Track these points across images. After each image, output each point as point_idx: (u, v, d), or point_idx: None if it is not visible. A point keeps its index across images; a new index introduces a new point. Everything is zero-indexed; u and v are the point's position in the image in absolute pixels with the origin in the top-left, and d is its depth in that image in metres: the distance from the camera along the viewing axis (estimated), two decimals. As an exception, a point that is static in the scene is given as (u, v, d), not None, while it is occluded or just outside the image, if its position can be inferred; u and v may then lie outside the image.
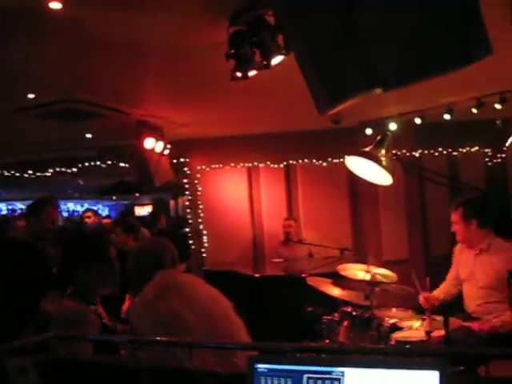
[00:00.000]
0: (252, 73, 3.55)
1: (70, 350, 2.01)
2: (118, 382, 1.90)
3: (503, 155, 7.97)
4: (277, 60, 3.38)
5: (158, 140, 6.68)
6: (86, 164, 8.70)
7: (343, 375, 1.43)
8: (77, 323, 2.35)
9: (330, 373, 1.45)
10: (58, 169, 8.97)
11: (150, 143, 6.53)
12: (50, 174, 9.42)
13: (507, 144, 7.41)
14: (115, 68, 4.57)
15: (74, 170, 8.99)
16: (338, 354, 1.54)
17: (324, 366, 1.46)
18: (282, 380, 1.48)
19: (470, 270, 4.23)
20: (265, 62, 3.39)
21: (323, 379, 1.45)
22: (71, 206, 21.03)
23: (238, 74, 3.55)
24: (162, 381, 1.78)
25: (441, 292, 4.48)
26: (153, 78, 5.03)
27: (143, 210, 20.35)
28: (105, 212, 21.77)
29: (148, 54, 4.30)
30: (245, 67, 3.49)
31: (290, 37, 2.93)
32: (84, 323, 2.11)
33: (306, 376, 1.47)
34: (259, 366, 1.51)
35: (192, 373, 1.69)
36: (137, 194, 17.15)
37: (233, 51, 3.46)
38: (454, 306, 4.41)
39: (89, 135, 7.38)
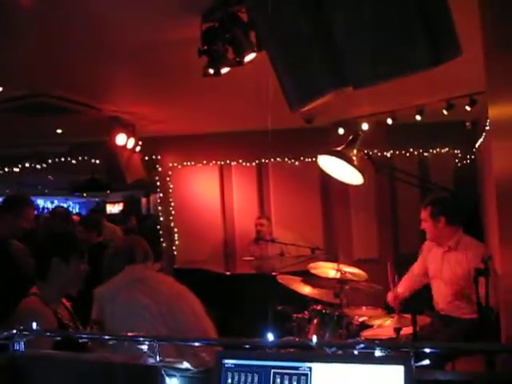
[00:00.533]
0: (224, 70, 3.54)
1: (30, 346, 1.99)
2: (79, 377, 1.88)
3: (473, 156, 8.08)
4: (249, 57, 3.38)
5: (129, 136, 6.63)
6: (57, 160, 8.58)
7: (310, 370, 1.44)
8: (30, 321, 2.33)
9: (297, 368, 1.45)
10: (27, 164, 8.82)
11: (121, 139, 6.47)
12: (18, 170, 9.26)
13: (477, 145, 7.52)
14: (87, 63, 4.51)
15: (44, 165, 8.85)
16: (305, 349, 1.53)
17: (291, 361, 1.47)
18: (249, 375, 1.48)
19: (438, 268, 4.31)
20: (237, 59, 3.39)
21: (290, 375, 1.45)
22: (41, 202, 20.74)
23: (211, 71, 3.53)
24: (125, 376, 1.77)
25: (405, 289, 4.54)
26: (125, 73, 4.98)
27: (114, 208, 20.12)
28: (75, 209, 21.52)
29: (120, 50, 4.25)
30: (217, 64, 3.48)
31: (262, 34, 2.93)
32: (38, 322, 2.09)
33: (273, 371, 1.47)
34: (226, 361, 1.51)
35: (156, 368, 1.68)
36: (108, 192, 16.94)
37: (205, 48, 3.45)
38: (423, 303, 4.48)
39: (59, 130, 7.28)
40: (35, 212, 5.46)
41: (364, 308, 4.64)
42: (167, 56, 4.34)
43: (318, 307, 4.47)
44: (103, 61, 4.50)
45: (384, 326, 4.00)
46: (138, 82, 5.25)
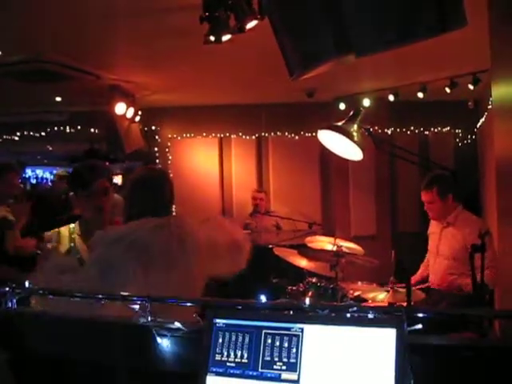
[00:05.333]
0: (226, 37, 3.49)
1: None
2: (70, 335, 1.89)
3: (473, 136, 8.05)
4: (251, 24, 3.33)
5: (129, 106, 6.60)
6: (56, 129, 8.53)
7: (302, 332, 1.43)
8: None
9: (288, 329, 1.44)
10: (25, 132, 8.77)
11: (120, 108, 6.44)
12: (17, 138, 9.22)
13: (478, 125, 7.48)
14: (86, 29, 4.46)
15: (43, 134, 8.80)
16: (297, 311, 1.53)
17: (283, 322, 1.46)
18: (240, 335, 1.47)
19: (435, 243, 4.30)
20: (239, 26, 3.34)
21: (282, 335, 1.44)
22: (40, 172, 20.67)
23: (212, 38, 3.48)
24: (117, 335, 1.77)
25: (422, 270, 4.57)
26: (125, 40, 4.92)
27: (114, 180, 20.01)
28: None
29: (120, 16, 4.20)
30: (219, 31, 3.43)
31: (265, 0, 2.89)
32: None
33: (264, 332, 1.46)
34: (218, 320, 1.50)
35: (147, 327, 1.67)
36: (107, 163, 16.89)
37: (207, 14, 3.39)
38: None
39: (58, 98, 7.22)
40: (19, 180, 5.45)
41: (359, 283, 4.65)
42: (168, 22, 4.28)
43: (313, 280, 4.47)
44: (103, 26, 4.44)
45: (379, 300, 4.01)
46: (139, 49, 5.19)
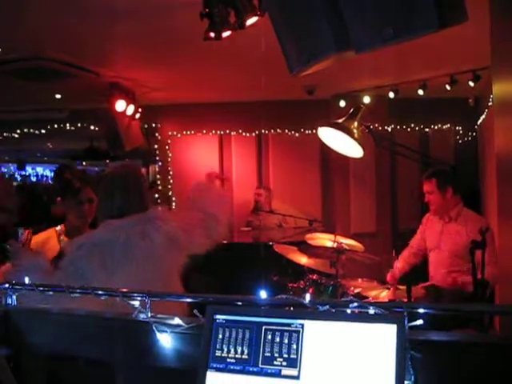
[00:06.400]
0: (226, 33, 3.48)
1: None
2: (71, 331, 1.89)
3: (474, 134, 8.04)
4: (251, 21, 3.33)
5: (129, 103, 6.59)
6: (56, 126, 8.53)
7: (302, 327, 1.43)
8: None
9: (289, 325, 1.44)
10: (25, 130, 8.77)
11: (120, 106, 6.43)
12: (17, 136, 9.22)
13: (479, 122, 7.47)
14: (86, 26, 4.45)
15: (44, 131, 8.80)
16: (297, 307, 1.52)
17: (283, 318, 1.45)
18: (241, 331, 1.47)
19: (436, 240, 4.30)
20: (239, 23, 3.33)
21: (282, 331, 1.44)
22: (40, 170, 20.68)
23: (212, 34, 3.47)
24: (116, 331, 1.77)
25: (405, 263, 4.53)
26: (124, 37, 4.90)
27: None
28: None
29: (120, 13, 4.18)
30: (219, 27, 3.42)
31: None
32: None
33: (264, 328, 1.46)
34: (218, 317, 1.50)
35: (147, 323, 1.67)
36: (107, 161, 16.88)
37: (207, 10, 3.38)
38: (419, 275, 4.48)
39: (58, 96, 7.22)
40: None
41: (360, 280, 4.64)
42: (167, 19, 4.27)
43: (314, 277, 4.46)
44: (102, 23, 4.43)
45: (379, 297, 4.01)
46: (138, 46, 5.18)
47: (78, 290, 1.81)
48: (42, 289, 1.88)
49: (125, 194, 2.70)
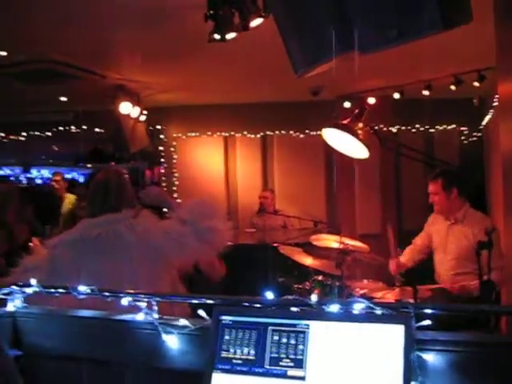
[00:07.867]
0: (230, 35, 3.49)
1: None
2: (77, 332, 1.89)
3: (479, 134, 8.02)
4: (256, 22, 3.33)
5: (134, 105, 6.61)
6: (61, 128, 8.55)
7: (308, 328, 1.43)
8: None
9: (295, 326, 1.44)
10: (31, 132, 8.80)
11: (125, 108, 6.45)
12: (24, 139, 9.24)
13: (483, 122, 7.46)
14: (91, 29, 4.47)
15: (49, 134, 8.83)
16: (303, 307, 1.52)
17: (289, 318, 1.46)
18: (247, 332, 1.47)
19: (442, 241, 4.27)
20: (243, 24, 3.34)
21: (288, 332, 1.44)
22: (45, 172, 20.68)
23: (216, 36, 3.48)
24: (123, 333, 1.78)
25: (408, 259, 4.52)
26: (129, 40, 4.92)
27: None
28: (80, 179, 21.44)
29: (125, 16, 4.20)
30: (223, 29, 3.43)
31: (270, -3, 2.89)
32: None
33: (270, 328, 1.46)
34: (224, 318, 1.50)
35: (153, 325, 1.68)
36: (112, 163, 16.89)
37: (211, 12, 3.39)
38: (424, 275, 4.46)
39: (64, 98, 7.24)
40: None
41: (365, 281, 4.63)
42: (173, 22, 4.28)
43: (319, 278, 4.46)
44: (107, 27, 4.45)
45: (385, 298, 4.00)
46: (143, 49, 5.18)
47: (82, 291, 1.81)
48: (47, 290, 1.89)
49: (106, 196, 2.77)
